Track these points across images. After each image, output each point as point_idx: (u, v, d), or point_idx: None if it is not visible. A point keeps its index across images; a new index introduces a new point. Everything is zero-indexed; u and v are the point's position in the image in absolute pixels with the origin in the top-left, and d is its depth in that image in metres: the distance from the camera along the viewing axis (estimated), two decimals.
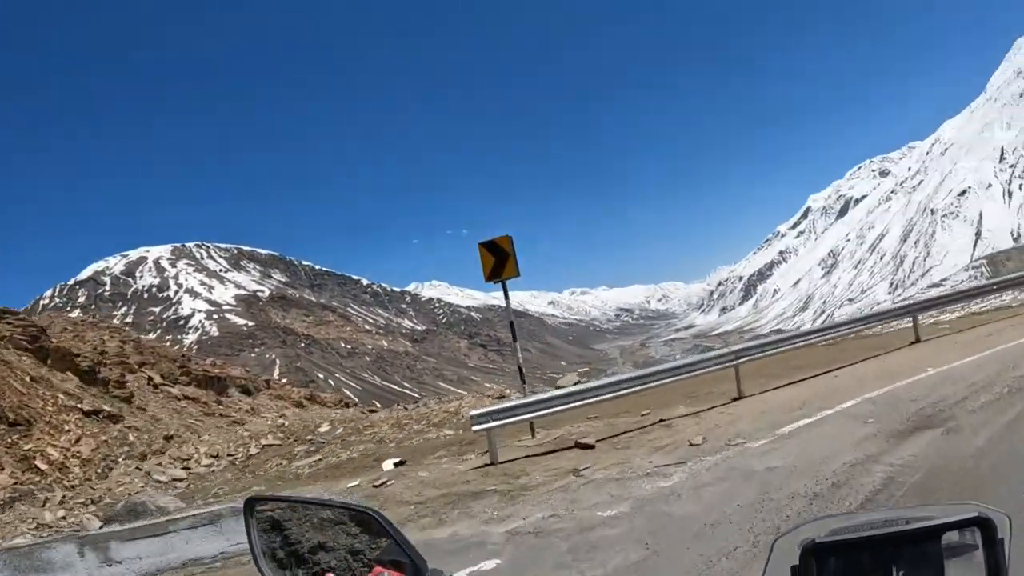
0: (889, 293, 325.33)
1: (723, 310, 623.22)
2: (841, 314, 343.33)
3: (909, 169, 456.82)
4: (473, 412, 14.37)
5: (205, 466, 28.09)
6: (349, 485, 14.83)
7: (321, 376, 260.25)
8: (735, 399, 15.70)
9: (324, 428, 30.52)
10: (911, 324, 20.07)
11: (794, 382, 16.43)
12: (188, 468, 27.90)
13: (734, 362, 16.04)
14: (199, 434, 33.88)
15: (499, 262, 15.54)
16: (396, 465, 15.98)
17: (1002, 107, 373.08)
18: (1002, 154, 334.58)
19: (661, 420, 14.87)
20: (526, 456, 13.97)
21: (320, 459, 23.20)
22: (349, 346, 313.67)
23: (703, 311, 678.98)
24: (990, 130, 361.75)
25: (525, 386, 16.14)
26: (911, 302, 20.84)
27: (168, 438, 32.33)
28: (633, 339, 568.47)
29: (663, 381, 15.54)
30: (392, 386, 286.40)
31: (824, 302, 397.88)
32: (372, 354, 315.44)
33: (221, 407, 44.83)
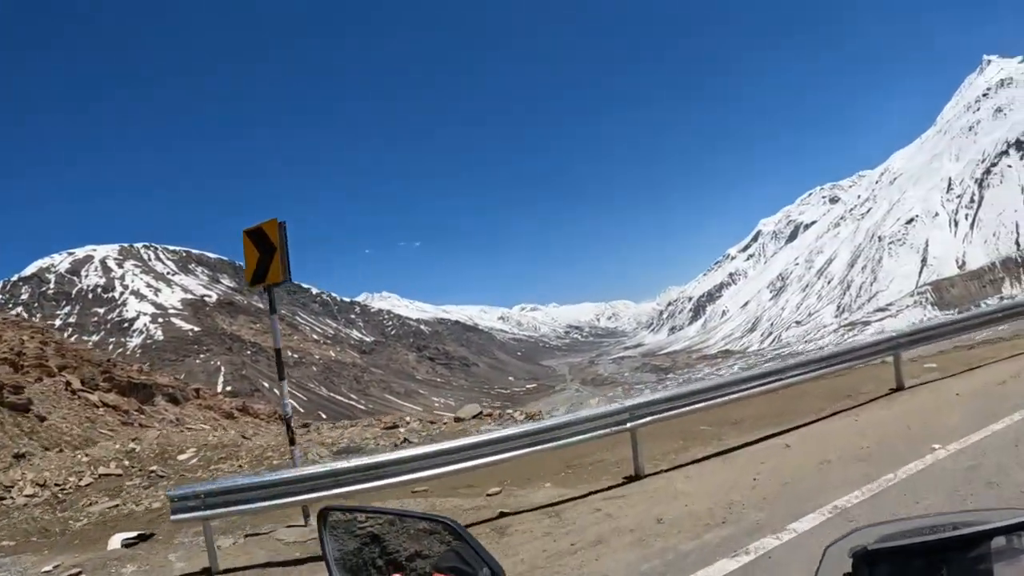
0: (836, 316, 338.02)
1: (672, 330, 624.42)
2: (788, 336, 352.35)
3: (858, 197, 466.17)
4: (173, 491, 9.35)
5: (27, 496, 22.47)
6: (44, 570, 10.31)
7: (267, 385, 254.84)
8: (629, 479, 10.46)
9: (185, 455, 24.74)
10: (890, 361, 14.18)
11: (724, 451, 11.10)
12: (3, 499, 22.42)
13: (627, 425, 10.52)
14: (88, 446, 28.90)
15: (265, 258, 9.99)
16: (127, 544, 10.96)
17: (951, 139, 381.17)
18: (949, 184, 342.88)
19: (502, 514, 9.74)
20: (264, 566, 9.11)
21: (116, 505, 17.66)
22: (296, 355, 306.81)
23: (652, 330, 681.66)
24: (939, 161, 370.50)
25: (294, 449, 10.45)
26: (894, 334, 14.41)
27: (19, 456, 27.24)
28: (582, 356, 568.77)
29: (518, 452, 10.14)
30: (339, 397, 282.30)
31: (772, 324, 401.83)
32: (319, 364, 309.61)
33: (143, 416, 42.49)
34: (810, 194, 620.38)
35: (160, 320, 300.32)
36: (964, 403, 11.93)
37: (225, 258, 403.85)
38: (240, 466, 20.38)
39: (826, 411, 12.77)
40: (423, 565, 1.94)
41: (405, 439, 19.44)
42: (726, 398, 11.81)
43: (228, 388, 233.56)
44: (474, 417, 20.42)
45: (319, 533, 2.07)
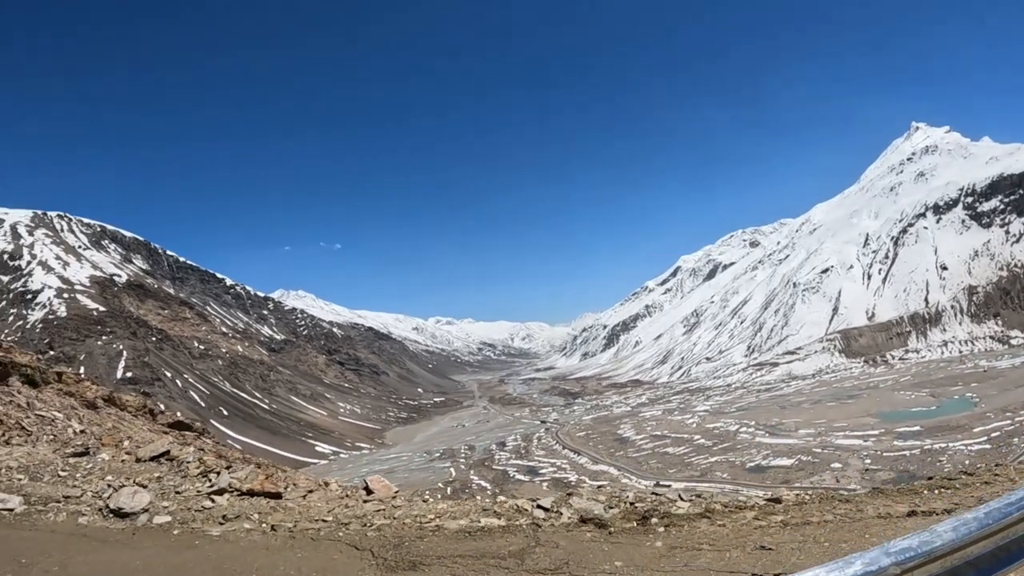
0: (745, 356, 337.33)
1: (585, 355, 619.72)
2: (697, 371, 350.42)
3: (778, 243, 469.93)
4: None
5: None
6: None
7: (169, 375, 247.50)
8: None
9: None
10: None
11: None
12: None
13: None
14: None
15: None
16: None
17: (872, 197, 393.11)
18: (866, 240, 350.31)
19: None
20: None
21: None
22: (203, 347, 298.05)
23: (565, 354, 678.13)
24: (858, 217, 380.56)
25: None
26: None
27: None
28: (493, 374, 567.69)
29: None
30: (242, 394, 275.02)
31: (683, 358, 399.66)
32: (225, 358, 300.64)
33: None
34: (731, 236, 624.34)
35: (65, 295, 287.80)
36: None
37: (140, 238, 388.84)
38: None
39: None
40: None
41: None
42: None
43: (128, 375, 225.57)
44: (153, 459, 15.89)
45: None
